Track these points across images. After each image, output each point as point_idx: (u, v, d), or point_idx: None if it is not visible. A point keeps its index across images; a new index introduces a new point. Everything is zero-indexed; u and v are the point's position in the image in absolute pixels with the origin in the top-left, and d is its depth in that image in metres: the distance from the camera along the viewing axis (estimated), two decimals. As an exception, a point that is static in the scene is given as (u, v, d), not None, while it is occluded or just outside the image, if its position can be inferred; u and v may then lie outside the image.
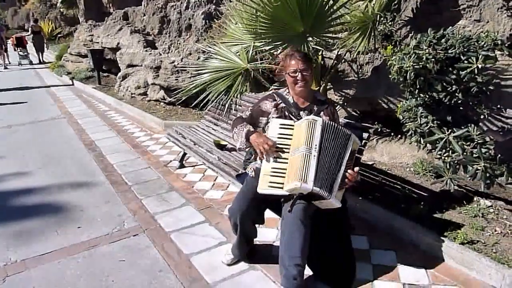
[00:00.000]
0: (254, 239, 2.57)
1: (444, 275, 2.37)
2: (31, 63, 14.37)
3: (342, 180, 2.11)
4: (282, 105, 2.39)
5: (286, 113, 2.36)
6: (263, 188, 2.11)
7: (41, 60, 14.55)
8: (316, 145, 2.07)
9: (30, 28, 15.31)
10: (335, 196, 2.09)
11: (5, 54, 13.82)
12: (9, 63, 13.88)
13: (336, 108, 2.60)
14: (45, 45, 15.27)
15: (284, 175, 2.10)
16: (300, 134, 2.12)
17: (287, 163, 2.12)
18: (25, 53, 14.65)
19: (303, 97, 2.39)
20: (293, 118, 2.31)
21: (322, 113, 2.37)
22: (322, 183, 2.04)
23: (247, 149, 2.35)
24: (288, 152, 2.14)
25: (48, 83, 10.13)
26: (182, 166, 4.19)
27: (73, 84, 9.73)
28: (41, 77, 11.33)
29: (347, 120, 2.88)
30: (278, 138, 2.17)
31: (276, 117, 2.33)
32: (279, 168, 2.12)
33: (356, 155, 2.62)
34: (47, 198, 3.58)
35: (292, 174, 2.05)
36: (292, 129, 2.18)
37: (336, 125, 2.17)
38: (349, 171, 2.13)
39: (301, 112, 2.36)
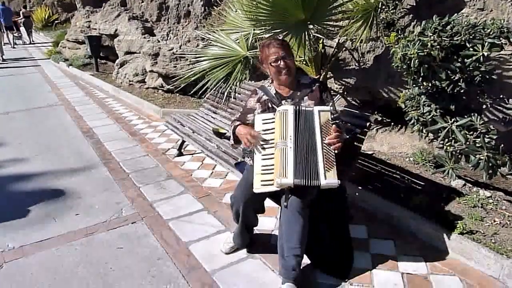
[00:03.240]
0: (254, 228, 2.56)
1: (443, 265, 2.37)
2: (24, 43, 16.55)
3: (326, 158, 2.02)
4: (265, 97, 2.34)
5: (270, 105, 2.31)
6: (257, 188, 2.09)
7: (31, 41, 16.91)
8: (291, 136, 2.04)
9: (22, 14, 17.23)
10: (326, 177, 2.00)
11: (19, 34, 16.29)
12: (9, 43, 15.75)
13: (334, 95, 2.53)
14: (32, 28, 17.57)
15: (273, 171, 2.08)
16: (277, 127, 2.10)
17: (273, 158, 2.10)
18: (19, 35, 16.57)
19: (287, 86, 2.33)
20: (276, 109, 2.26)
21: (306, 97, 2.29)
22: (304, 173, 2.00)
23: (240, 146, 2.32)
24: (274, 147, 2.12)
25: (35, 57, 12.77)
26: (180, 154, 4.16)
27: (49, 58, 11.94)
28: (30, 53, 13.97)
29: (347, 109, 2.86)
30: (263, 134, 2.14)
31: (260, 112, 2.29)
32: (268, 165, 2.10)
33: (356, 144, 2.61)
34: (45, 185, 3.56)
35: (276, 170, 2.04)
36: (274, 122, 2.15)
37: (304, 108, 2.09)
38: (327, 138, 2.04)
39: (283, 102, 2.30)
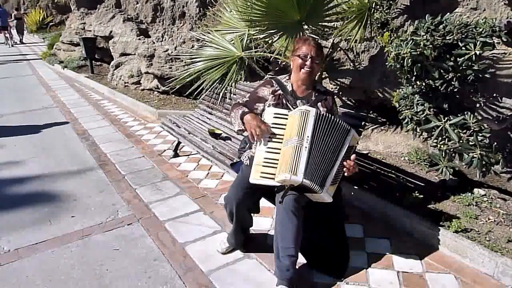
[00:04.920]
0: (250, 228, 2.56)
1: (438, 263, 2.39)
2: (15, 43, 17.44)
3: (336, 176, 2.10)
4: (280, 92, 2.35)
5: (283, 101, 2.32)
6: (255, 178, 2.10)
7: (22, 41, 17.97)
8: (308, 137, 2.05)
9: (13, 16, 18.26)
10: (327, 191, 2.08)
11: (10, 35, 17.30)
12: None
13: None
14: (24, 29, 18.68)
15: (276, 166, 2.08)
16: (293, 124, 2.10)
17: (279, 153, 2.10)
18: (11, 36, 17.46)
19: (304, 85, 2.34)
20: (290, 107, 2.28)
21: (319, 104, 2.33)
22: (313, 176, 2.03)
23: (244, 133, 2.32)
24: (281, 142, 2.12)
25: (28, 57, 13.34)
26: (176, 155, 4.16)
27: (41, 59, 12.28)
28: (21, 51, 15.04)
29: (343, 109, 2.86)
30: (272, 127, 2.15)
31: (273, 104, 2.30)
32: (271, 158, 2.11)
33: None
34: (40, 187, 3.55)
35: (283, 166, 2.04)
36: (286, 118, 2.15)
37: (332, 117, 2.13)
38: (345, 162, 2.12)
39: (298, 101, 2.32)
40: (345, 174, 2.15)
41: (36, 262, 2.50)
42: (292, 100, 2.32)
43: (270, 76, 4.00)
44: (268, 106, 2.28)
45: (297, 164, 2.01)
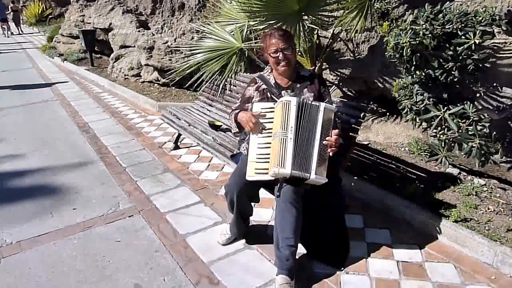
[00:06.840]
0: (250, 218, 2.57)
1: (437, 252, 2.40)
2: (12, 34, 18.80)
3: (320, 155, 2.05)
4: (263, 86, 2.35)
5: (268, 95, 2.32)
6: (251, 175, 2.11)
7: (20, 31, 19.57)
8: (292, 127, 2.04)
9: (10, 8, 19.73)
10: (316, 173, 2.03)
11: (7, 26, 18.67)
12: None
13: (329, 86, 2.55)
14: (21, 20, 20.62)
15: (268, 160, 2.09)
16: (277, 117, 2.09)
17: (270, 147, 2.10)
18: (8, 27, 18.89)
19: (286, 77, 2.34)
20: (275, 99, 2.26)
21: (305, 89, 2.31)
22: (301, 165, 2.02)
23: (243, 132, 2.34)
24: (271, 136, 2.12)
25: (24, 46, 14.50)
26: (177, 147, 4.17)
27: (38, 49, 12.99)
28: (19, 42, 16.05)
29: (343, 100, 2.86)
30: (261, 122, 2.15)
31: (259, 100, 2.30)
32: (263, 153, 2.11)
33: (351, 134, 2.62)
34: (41, 180, 3.56)
35: (273, 160, 2.05)
36: (273, 111, 2.15)
37: (309, 102, 2.10)
38: (326, 139, 2.07)
39: (283, 92, 2.31)
40: (329, 153, 2.09)
41: (39, 254, 2.52)
42: (277, 92, 2.31)
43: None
44: (256, 102, 2.28)
45: (284, 157, 2.01)
